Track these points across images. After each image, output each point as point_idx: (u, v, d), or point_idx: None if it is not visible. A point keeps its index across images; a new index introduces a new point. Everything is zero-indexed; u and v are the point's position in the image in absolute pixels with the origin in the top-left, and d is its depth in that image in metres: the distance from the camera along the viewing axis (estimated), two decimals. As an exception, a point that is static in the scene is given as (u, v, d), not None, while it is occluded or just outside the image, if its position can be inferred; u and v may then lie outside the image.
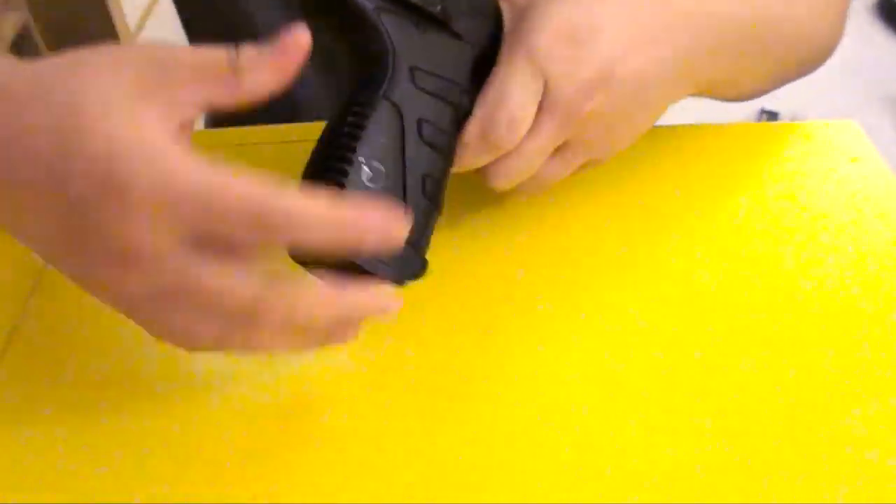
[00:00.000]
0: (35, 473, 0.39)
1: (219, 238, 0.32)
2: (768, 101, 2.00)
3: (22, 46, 1.32)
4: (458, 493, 0.38)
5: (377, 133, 0.39)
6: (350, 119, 0.39)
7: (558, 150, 0.44)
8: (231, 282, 0.32)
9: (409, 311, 0.38)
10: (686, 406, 0.41)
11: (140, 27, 1.39)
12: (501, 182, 0.44)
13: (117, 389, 0.42)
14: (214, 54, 0.34)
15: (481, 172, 0.44)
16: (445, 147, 0.41)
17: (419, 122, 0.40)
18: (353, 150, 0.38)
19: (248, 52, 0.34)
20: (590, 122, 0.43)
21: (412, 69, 0.40)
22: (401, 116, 0.40)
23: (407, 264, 0.40)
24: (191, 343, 0.35)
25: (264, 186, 0.31)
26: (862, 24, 2.38)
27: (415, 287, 0.41)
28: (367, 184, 0.38)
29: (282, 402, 0.42)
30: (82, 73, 0.33)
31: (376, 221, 0.33)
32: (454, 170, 0.43)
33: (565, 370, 0.42)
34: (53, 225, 0.33)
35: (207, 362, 0.43)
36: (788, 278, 0.46)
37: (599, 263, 0.48)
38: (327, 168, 0.39)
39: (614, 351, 0.43)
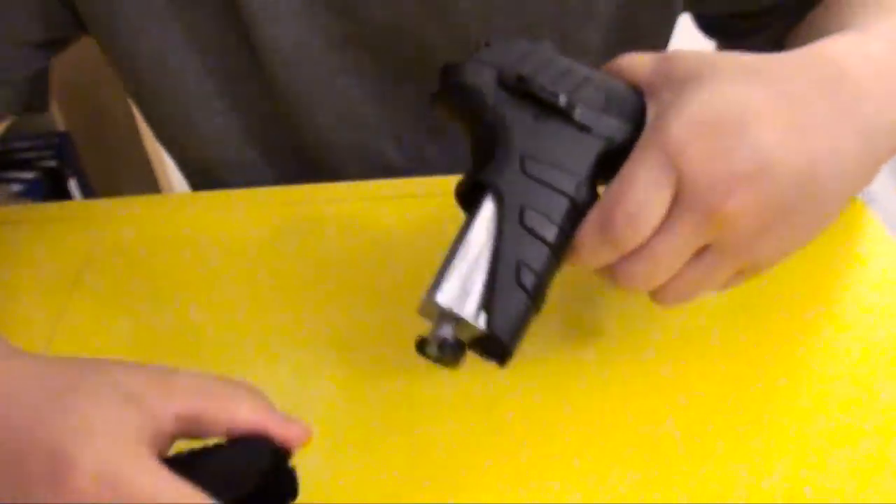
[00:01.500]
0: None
1: None
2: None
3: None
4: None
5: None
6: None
7: (701, 254, 0.39)
8: None
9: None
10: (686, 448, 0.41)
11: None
12: (630, 284, 0.40)
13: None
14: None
15: (608, 273, 0.40)
16: (554, 239, 0.39)
17: (522, 209, 0.39)
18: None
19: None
20: (737, 221, 0.37)
21: (523, 157, 0.40)
22: (502, 201, 0.39)
23: (488, 350, 0.39)
24: None
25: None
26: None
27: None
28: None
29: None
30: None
31: None
32: (576, 266, 0.41)
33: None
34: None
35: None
36: (778, 335, 0.47)
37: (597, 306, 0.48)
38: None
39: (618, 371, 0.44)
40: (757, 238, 0.39)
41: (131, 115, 1.40)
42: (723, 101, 0.38)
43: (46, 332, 0.50)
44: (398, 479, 0.41)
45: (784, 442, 0.42)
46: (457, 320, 0.37)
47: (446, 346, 0.37)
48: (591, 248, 0.39)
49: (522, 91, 0.41)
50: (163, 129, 0.66)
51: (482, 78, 0.42)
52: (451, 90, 0.43)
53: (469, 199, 0.40)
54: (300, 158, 0.66)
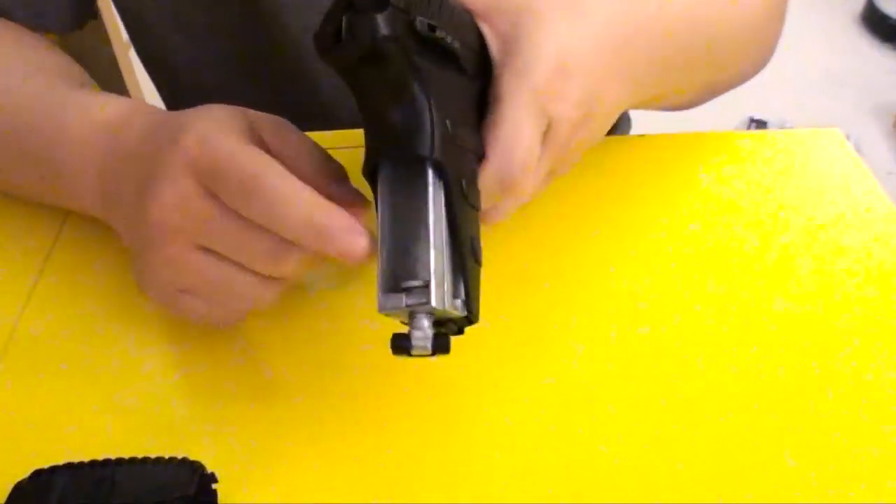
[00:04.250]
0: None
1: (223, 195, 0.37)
2: (757, 111, 2.03)
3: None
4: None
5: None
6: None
7: None
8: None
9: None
10: (681, 410, 0.42)
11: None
12: (500, 219, 0.42)
13: (119, 381, 0.43)
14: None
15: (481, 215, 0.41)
16: (480, 204, 0.38)
17: (460, 182, 0.36)
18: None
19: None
20: (573, 154, 0.44)
21: (444, 120, 0.35)
22: (445, 176, 0.35)
23: (448, 328, 0.36)
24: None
25: (265, 164, 0.36)
26: (849, 33, 2.41)
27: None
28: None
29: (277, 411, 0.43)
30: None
31: (337, 236, 0.35)
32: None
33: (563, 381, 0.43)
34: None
35: (204, 352, 0.45)
36: (773, 279, 0.48)
37: (591, 271, 0.49)
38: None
39: (607, 353, 0.44)
40: (575, 159, 0.46)
41: (114, 62, 1.38)
42: (566, 42, 0.41)
43: (34, 272, 0.50)
44: (391, 477, 0.39)
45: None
46: (431, 311, 0.34)
47: (438, 339, 0.33)
48: (490, 197, 0.40)
49: (431, 41, 0.35)
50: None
51: (399, 29, 0.34)
52: (362, 40, 0.34)
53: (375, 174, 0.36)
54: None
